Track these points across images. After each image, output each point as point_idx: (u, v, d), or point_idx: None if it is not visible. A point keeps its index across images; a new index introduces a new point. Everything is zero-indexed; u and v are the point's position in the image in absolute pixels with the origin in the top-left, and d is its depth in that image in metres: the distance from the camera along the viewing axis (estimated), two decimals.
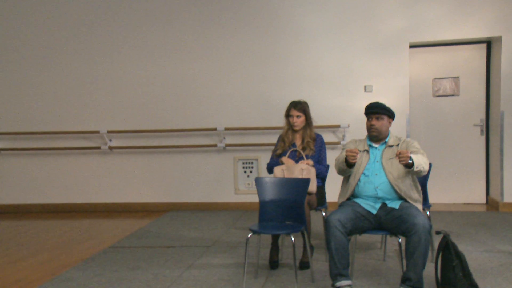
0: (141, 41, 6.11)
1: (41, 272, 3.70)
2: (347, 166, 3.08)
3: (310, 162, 3.67)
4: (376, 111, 3.14)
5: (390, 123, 3.20)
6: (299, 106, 3.81)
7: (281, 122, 4.05)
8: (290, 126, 3.85)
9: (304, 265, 3.55)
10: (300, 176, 3.56)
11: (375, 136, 3.19)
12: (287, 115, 3.85)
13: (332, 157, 3.92)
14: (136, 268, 3.70)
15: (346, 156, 3.00)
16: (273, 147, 4.03)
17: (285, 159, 3.70)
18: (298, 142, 3.84)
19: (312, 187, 3.54)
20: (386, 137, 3.21)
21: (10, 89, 6.36)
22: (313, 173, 3.61)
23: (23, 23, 6.30)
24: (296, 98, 3.94)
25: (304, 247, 3.58)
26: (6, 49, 6.35)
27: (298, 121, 3.79)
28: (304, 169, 3.60)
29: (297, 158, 3.77)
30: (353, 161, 2.99)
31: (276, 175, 3.66)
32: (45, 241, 4.73)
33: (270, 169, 3.84)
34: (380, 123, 3.14)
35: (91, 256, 4.09)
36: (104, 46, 6.19)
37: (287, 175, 3.62)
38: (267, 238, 3.94)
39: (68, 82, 6.26)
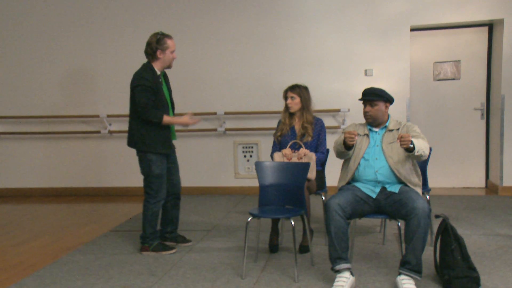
0: (140, 25, 6.06)
1: (43, 255, 3.72)
2: (346, 148, 3.07)
3: (308, 152, 3.66)
4: (369, 98, 3.12)
5: (387, 107, 3.17)
6: (295, 89, 3.81)
7: (281, 106, 4.04)
8: (287, 109, 3.85)
9: (304, 248, 3.57)
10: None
11: (371, 123, 3.18)
12: (284, 96, 3.86)
13: (332, 141, 3.92)
14: (137, 251, 3.73)
15: (344, 138, 3.00)
16: (273, 131, 4.03)
17: (284, 151, 3.70)
18: (297, 126, 3.83)
19: (311, 174, 3.55)
20: (385, 121, 3.19)
21: (10, 73, 6.34)
22: (312, 159, 3.61)
23: (23, 8, 6.24)
24: (294, 83, 3.93)
25: (304, 231, 3.60)
26: (6, 34, 6.30)
27: (292, 103, 3.79)
28: (303, 157, 3.61)
29: (297, 147, 3.77)
30: (351, 143, 2.99)
31: (276, 160, 3.67)
32: (46, 224, 4.76)
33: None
34: (374, 110, 3.12)
35: (92, 239, 4.11)
36: (104, 30, 6.15)
37: (287, 160, 3.64)
38: (267, 222, 3.96)
39: (68, 66, 6.23)
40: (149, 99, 3.48)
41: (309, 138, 3.74)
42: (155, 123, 3.53)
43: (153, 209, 3.68)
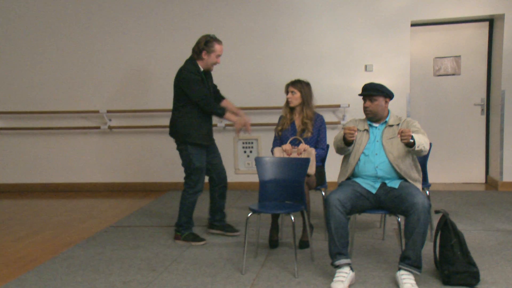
0: (141, 21, 6.05)
1: (43, 250, 3.73)
2: (345, 144, 3.07)
3: (307, 147, 3.67)
4: (369, 93, 3.11)
5: (387, 102, 3.17)
6: (297, 84, 3.82)
7: (281, 101, 4.04)
8: (288, 103, 3.85)
9: (303, 244, 3.58)
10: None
11: (371, 118, 3.18)
12: (286, 91, 3.87)
13: (332, 137, 3.92)
14: (137, 247, 3.73)
15: (344, 134, 3.00)
16: (273, 127, 4.03)
17: (284, 146, 3.70)
18: (297, 121, 3.83)
19: (311, 169, 3.55)
20: (385, 116, 3.19)
21: (10, 69, 6.33)
22: (312, 154, 3.61)
23: (22, 3, 6.22)
24: (297, 78, 3.92)
25: (304, 226, 3.60)
26: (6, 29, 6.28)
27: (293, 97, 3.80)
28: (303, 152, 3.61)
29: (297, 143, 3.77)
30: (351, 139, 2.99)
31: (276, 155, 3.67)
32: (46, 220, 4.76)
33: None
34: (374, 105, 3.12)
35: (92, 235, 4.12)
36: (104, 25, 6.13)
37: (287, 156, 3.65)
38: (266, 218, 3.97)
39: (68, 62, 6.22)
40: (205, 90, 3.64)
41: (309, 134, 3.74)
42: (218, 115, 3.70)
43: (190, 199, 3.78)
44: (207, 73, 3.87)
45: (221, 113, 3.69)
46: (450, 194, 5.36)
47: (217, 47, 3.69)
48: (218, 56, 3.73)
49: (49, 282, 3.03)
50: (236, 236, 3.93)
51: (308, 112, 3.80)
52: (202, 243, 3.74)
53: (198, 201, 3.86)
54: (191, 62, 3.73)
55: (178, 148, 3.81)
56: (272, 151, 3.86)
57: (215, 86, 3.99)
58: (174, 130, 3.81)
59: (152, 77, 6.11)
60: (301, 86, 3.81)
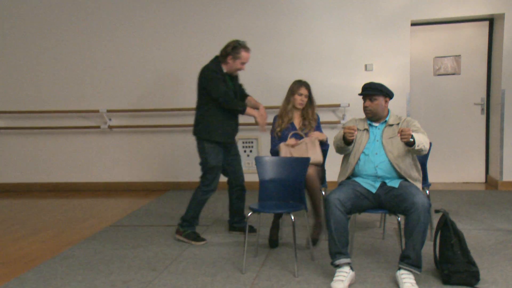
0: (140, 20, 6.05)
1: (43, 249, 3.73)
2: (345, 143, 3.08)
3: (317, 134, 3.68)
4: (369, 92, 3.11)
5: (386, 102, 3.17)
6: (307, 85, 3.82)
7: (281, 101, 4.02)
8: (292, 104, 3.83)
9: (313, 241, 3.57)
10: (304, 150, 3.60)
11: (371, 117, 3.18)
12: (294, 92, 3.82)
13: (332, 136, 3.92)
14: (137, 246, 3.73)
15: (344, 133, 3.00)
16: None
17: (289, 141, 3.70)
18: (296, 121, 3.83)
19: (318, 156, 3.57)
20: (385, 116, 3.19)
21: (9, 68, 6.33)
22: (317, 144, 3.62)
23: (22, 2, 6.22)
24: (296, 77, 3.92)
25: (316, 223, 3.61)
26: (6, 28, 6.28)
27: (304, 99, 3.80)
28: (307, 142, 3.62)
29: (299, 137, 3.78)
30: (351, 138, 2.99)
31: (282, 149, 3.67)
32: (47, 219, 4.76)
33: (275, 152, 3.82)
34: (374, 104, 3.12)
35: (92, 234, 4.12)
36: (104, 25, 6.13)
37: (293, 151, 3.65)
38: (266, 217, 3.97)
39: (67, 61, 6.22)
40: (225, 88, 3.64)
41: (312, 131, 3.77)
42: (239, 111, 3.72)
43: (202, 196, 3.79)
44: (233, 77, 3.86)
45: (242, 110, 3.70)
46: (450, 194, 5.36)
47: (243, 54, 3.66)
48: (243, 63, 3.71)
49: (49, 281, 3.03)
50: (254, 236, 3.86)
51: (313, 114, 3.83)
52: (202, 243, 3.74)
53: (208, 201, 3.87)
54: (215, 63, 3.73)
55: (197, 147, 3.84)
56: (273, 150, 3.85)
57: (240, 86, 3.97)
58: (196, 128, 3.85)
59: (152, 77, 6.10)
60: (309, 87, 3.82)
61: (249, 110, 3.72)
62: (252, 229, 3.96)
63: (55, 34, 6.21)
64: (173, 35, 6.02)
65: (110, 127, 6.18)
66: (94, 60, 6.18)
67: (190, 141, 6.09)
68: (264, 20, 5.87)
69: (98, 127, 6.21)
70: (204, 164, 3.78)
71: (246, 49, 3.69)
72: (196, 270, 3.15)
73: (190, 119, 6.03)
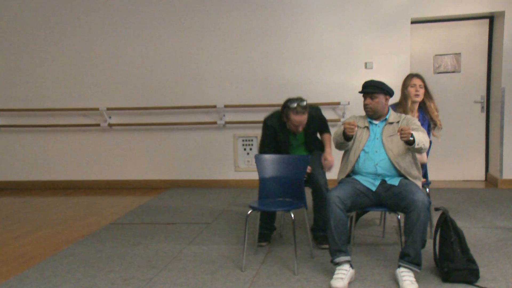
0: (141, 18, 6.04)
1: (43, 247, 3.73)
2: (345, 139, 3.08)
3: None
4: (369, 90, 3.11)
5: (387, 100, 3.17)
6: (420, 76, 3.84)
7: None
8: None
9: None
10: None
11: (371, 115, 3.18)
12: (407, 85, 3.84)
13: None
14: (137, 244, 3.73)
15: (344, 128, 3.00)
16: None
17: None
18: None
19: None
20: (385, 114, 3.19)
21: (9, 66, 6.32)
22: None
23: (22, 1, 6.20)
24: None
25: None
26: (6, 26, 6.27)
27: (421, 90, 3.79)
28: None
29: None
30: (351, 133, 2.99)
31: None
32: (47, 217, 4.76)
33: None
34: (374, 102, 3.12)
35: (92, 232, 4.12)
36: (103, 22, 6.12)
37: None
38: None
39: (67, 59, 6.22)
40: (266, 135, 3.71)
41: None
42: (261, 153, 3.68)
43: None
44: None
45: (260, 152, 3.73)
46: (450, 192, 5.37)
47: (292, 117, 3.49)
48: (296, 126, 3.54)
49: (49, 279, 3.03)
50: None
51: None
52: (262, 244, 3.59)
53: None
54: (277, 113, 3.69)
55: None
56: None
57: (314, 127, 3.77)
58: None
59: (152, 75, 6.10)
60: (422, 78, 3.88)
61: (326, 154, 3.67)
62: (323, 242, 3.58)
63: (55, 32, 6.20)
64: (173, 33, 6.01)
65: (110, 125, 6.18)
66: (94, 58, 6.17)
67: (190, 139, 6.13)
68: (264, 17, 5.86)
69: (98, 125, 6.21)
70: None
71: (295, 112, 3.47)
72: (196, 268, 3.15)
73: (191, 117, 6.10)
